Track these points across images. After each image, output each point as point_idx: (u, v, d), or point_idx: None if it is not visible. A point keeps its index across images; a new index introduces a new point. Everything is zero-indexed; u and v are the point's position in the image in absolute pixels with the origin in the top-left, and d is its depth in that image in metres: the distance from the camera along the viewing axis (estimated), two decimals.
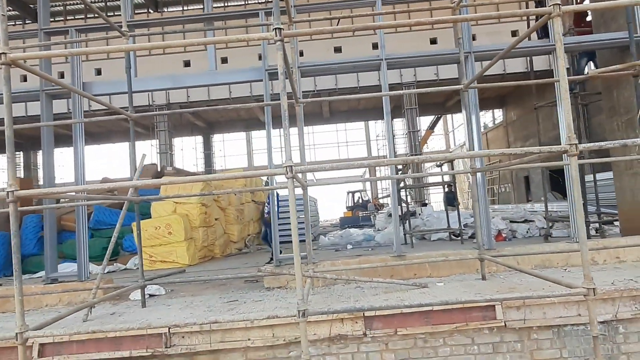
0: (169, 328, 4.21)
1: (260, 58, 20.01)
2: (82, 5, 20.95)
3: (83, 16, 21.38)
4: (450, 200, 12.90)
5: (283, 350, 4.24)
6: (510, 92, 22.22)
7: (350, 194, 27.95)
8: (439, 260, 5.59)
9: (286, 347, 4.23)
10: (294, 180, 3.38)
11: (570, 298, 4.08)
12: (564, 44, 6.09)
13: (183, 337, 4.25)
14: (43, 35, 6.16)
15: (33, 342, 4.20)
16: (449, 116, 33.40)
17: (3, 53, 3.31)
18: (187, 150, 28.40)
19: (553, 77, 6.05)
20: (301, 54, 16.75)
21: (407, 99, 19.00)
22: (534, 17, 8.30)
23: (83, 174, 6.02)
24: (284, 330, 4.21)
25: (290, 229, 3.32)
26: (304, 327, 3.32)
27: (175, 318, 4.66)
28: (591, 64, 8.01)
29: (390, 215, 14.64)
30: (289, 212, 3.34)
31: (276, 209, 6.57)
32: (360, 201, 27.74)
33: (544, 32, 8.08)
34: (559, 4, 3.43)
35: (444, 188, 12.89)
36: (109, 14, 20.36)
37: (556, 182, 18.71)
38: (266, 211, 8.79)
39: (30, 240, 10.38)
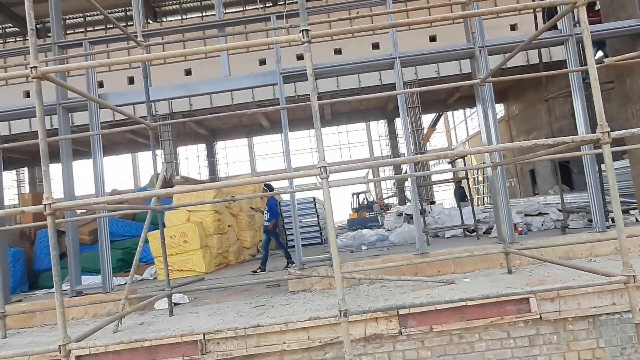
0: (204, 334, 4.21)
1: (260, 64, 19.84)
2: (97, 17, 21.11)
3: (102, 27, 21.47)
4: (462, 196, 12.87)
5: (319, 352, 4.23)
6: (510, 86, 22.25)
7: (355, 196, 27.93)
8: (463, 256, 5.58)
9: (322, 349, 4.23)
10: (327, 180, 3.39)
11: (604, 287, 4.08)
12: (576, 34, 6.14)
13: (218, 343, 4.25)
14: (57, 49, 6.19)
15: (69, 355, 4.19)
16: (449, 113, 33.47)
17: (34, 67, 3.33)
18: (191, 159, 28.44)
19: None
20: (301, 57, 16.88)
21: (409, 98, 19.05)
22: (540, 9, 8.32)
23: (103, 185, 6.03)
24: (319, 332, 4.20)
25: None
26: (345, 326, 3.31)
27: (206, 325, 4.66)
28: (600, 53, 8.02)
29: (400, 214, 14.64)
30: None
31: (293, 213, 6.56)
32: (366, 202, 27.71)
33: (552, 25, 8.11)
34: None
35: (455, 184, 12.87)
36: (109, 26, 20.43)
37: (563, 174, 18.72)
38: (265, 219, 8.71)
39: (46, 255, 10.38)
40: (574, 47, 6.02)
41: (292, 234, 14.54)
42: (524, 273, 5.36)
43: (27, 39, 19.93)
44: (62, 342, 3.30)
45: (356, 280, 5.81)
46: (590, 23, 7.50)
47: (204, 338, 4.21)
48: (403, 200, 25.57)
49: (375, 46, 18.24)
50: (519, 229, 8.81)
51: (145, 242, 10.39)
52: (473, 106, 27.21)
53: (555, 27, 7.92)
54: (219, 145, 28.94)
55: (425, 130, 24.32)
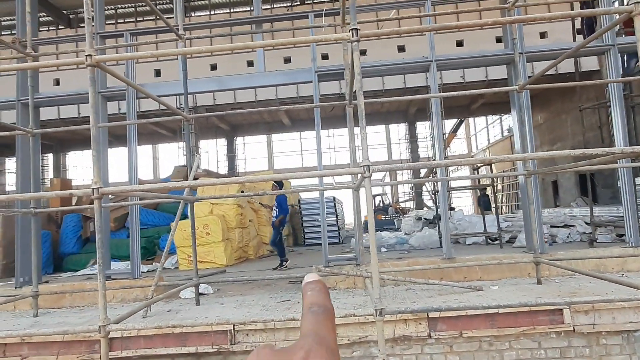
0: (234, 325, 4.26)
1: (285, 62, 19.86)
2: (132, 9, 21.46)
3: (132, 20, 21.79)
4: (487, 204, 12.76)
5: (346, 350, 4.25)
6: (535, 95, 21.87)
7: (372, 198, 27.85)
8: (492, 263, 5.54)
9: (349, 347, 4.24)
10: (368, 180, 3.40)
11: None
12: (618, 44, 6.03)
13: (247, 334, 4.29)
14: (99, 38, 6.32)
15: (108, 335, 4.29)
16: (470, 120, 33.14)
17: (89, 55, 3.41)
18: (211, 153, 28.77)
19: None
20: (326, 57, 16.91)
21: (432, 102, 18.91)
22: (578, 18, 8.18)
23: (136, 173, 6.14)
24: (348, 330, 4.22)
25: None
26: (380, 325, 3.32)
27: (234, 316, 4.71)
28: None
29: (419, 219, 14.56)
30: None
31: (317, 212, 6.60)
32: (382, 205, 27.63)
33: (589, 32, 7.99)
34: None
35: (480, 192, 12.76)
36: (139, 19, 20.75)
37: (586, 187, 18.39)
38: (274, 215, 8.67)
39: (70, 239, 10.61)
40: (617, 57, 5.92)
41: (311, 232, 14.64)
42: (554, 284, 5.30)
43: (60, 28, 20.30)
44: (103, 323, 3.38)
45: (382, 281, 5.82)
46: (630, 34, 7.39)
47: (234, 329, 4.26)
48: (420, 205, 25.41)
49: (401, 49, 18.16)
50: (544, 239, 8.70)
51: (167, 233, 10.61)
52: (496, 113, 26.91)
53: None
54: (239, 141, 29.19)
55: (447, 136, 24.18)
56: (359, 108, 3.45)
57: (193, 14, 22.79)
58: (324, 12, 5.71)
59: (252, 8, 23.73)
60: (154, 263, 9.79)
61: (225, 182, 4.57)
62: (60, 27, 20.65)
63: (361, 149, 3.42)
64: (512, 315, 4.13)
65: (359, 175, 3.39)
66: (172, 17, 6.34)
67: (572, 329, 4.07)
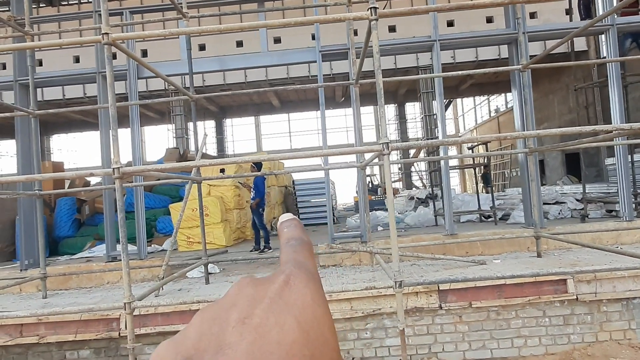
0: None
1: (275, 42, 19.63)
2: None
3: None
4: (488, 179, 13.12)
5: (360, 323, 4.39)
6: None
7: None
8: (494, 238, 5.72)
9: (363, 320, 4.38)
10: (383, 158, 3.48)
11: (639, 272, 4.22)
12: (617, 24, 6.15)
13: None
14: (97, 17, 6.19)
15: (120, 315, 4.35)
16: (458, 100, 33.36)
17: (105, 33, 3.38)
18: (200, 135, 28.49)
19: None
20: (313, 37, 16.81)
21: (424, 83, 19.02)
22: None
23: (140, 153, 6.12)
24: (362, 303, 4.35)
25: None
26: (400, 297, 3.45)
27: None
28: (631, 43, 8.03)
29: (412, 198, 14.80)
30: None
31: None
32: (371, 185, 27.88)
33: (586, 13, 8.11)
34: None
35: (484, 169, 13.06)
36: None
37: (571, 165, 18.83)
38: (252, 197, 8.31)
39: (65, 223, 10.52)
40: (615, 37, 6.04)
41: (306, 213, 14.74)
42: (553, 257, 5.51)
43: (42, 7, 19.51)
44: (128, 300, 3.44)
45: (385, 257, 5.96)
46: (625, 14, 7.53)
47: None
48: (409, 185, 25.71)
49: (392, 29, 18.11)
50: None
51: (168, 215, 10.59)
52: (484, 94, 27.13)
53: (589, 15, 7.93)
54: (227, 123, 28.94)
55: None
56: (378, 87, 3.50)
57: None
58: None
59: None
60: (152, 245, 9.79)
61: (237, 162, 4.60)
62: (41, 6, 19.94)
63: (380, 126, 3.48)
64: (518, 286, 4.32)
65: (368, 155, 3.45)
66: None
67: (575, 297, 4.27)
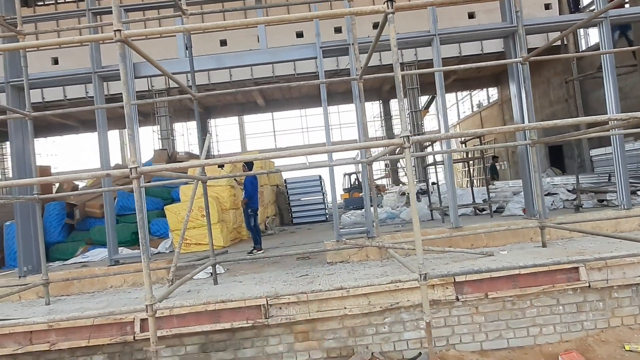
0: (267, 299, 4.31)
1: (258, 40, 19.64)
2: None
3: None
4: (494, 171, 13.35)
5: (378, 317, 4.39)
6: (505, 70, 22.53)
7: (347, 176, 28.14)
8: (499, 230, 5.80)
9: (381, 314, 4.38)
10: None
11: None
12: (610, 17, 6.29)
13: (280, 308, 4.35)
14: (91, 15, 6.03)
15: (134, 318, 4.25)
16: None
17: (118, 30, 3.29)
18: (186, 136, 28.16)
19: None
20: (301, 35, 16.79)
21: (409, 79, 19.15)
22: None
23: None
24: (379, 298, 4.35)
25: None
26: (424, 289, 3.47)
27: (260, 292, 4.75)
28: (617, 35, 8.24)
29: (403, 194, 14.92)
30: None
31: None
32: (357, 183, 27.99)
33: (575, 6, 8.27)
34: None
35: (493, 159, 13.33)
36: None
37: (554, 158, 19.23)
38: (243, 196, 8.37)
39: (55, 228, 10.23)
40: (609, 29, 6.17)
41: (298, 212, 14.70)
42: (558, 246, 5.61)
43: (33, 7, 18.80)
44: (150, 302, 3.36)
45: (395, 251, 5.97)
46: (616, 6, 7.71)
47: (267, 303, 4.31)
48: (397, 182, 25.88)
49: (376, 26, 18.19)
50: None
51: (161, 217, 10.41)
52: (466, 89, 27.49)
53: (578, 9, 8.09)
54: (211, 123, 28.63)
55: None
56: (396, 80, 3.49)
57: None
58: None
59: None
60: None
61: (246, 160, 4.53)
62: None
63: (401, 120, 3.48)
64: (532, 276, 4.38)
65: (382, 149, 3.44)
66: None
67: (587, 285, 4.36)
